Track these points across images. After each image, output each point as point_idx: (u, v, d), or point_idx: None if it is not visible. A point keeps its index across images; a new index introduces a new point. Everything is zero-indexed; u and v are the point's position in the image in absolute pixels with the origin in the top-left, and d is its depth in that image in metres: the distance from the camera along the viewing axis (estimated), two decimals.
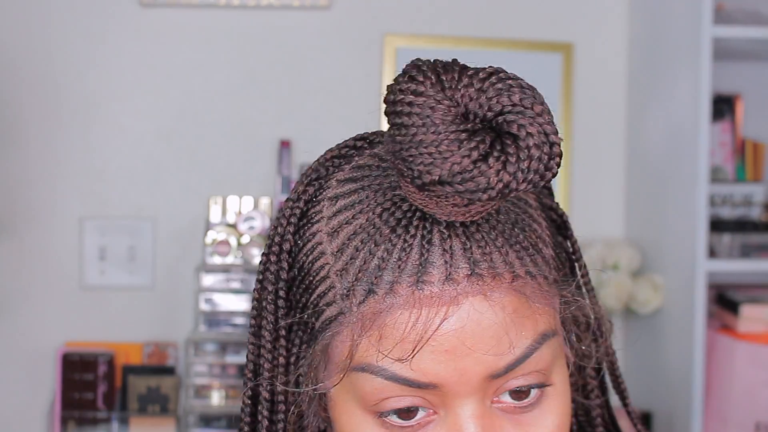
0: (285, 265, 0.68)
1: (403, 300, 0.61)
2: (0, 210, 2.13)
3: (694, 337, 1.94)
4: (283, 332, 0.68)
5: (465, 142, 0.57)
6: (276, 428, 0.69)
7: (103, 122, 2.16)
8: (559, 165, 0.58)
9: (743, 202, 2.15)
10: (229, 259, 2.06)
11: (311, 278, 0.66)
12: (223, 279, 2.05)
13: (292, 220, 0.68)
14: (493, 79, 0.59)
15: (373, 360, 0.62)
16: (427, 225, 0.62)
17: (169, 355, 2.12)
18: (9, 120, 2.13)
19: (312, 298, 0.66)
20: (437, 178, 0.57)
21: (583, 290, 0.74)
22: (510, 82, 0.59)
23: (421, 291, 0.61)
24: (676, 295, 2.03)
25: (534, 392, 0.63)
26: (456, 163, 0.57)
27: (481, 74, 0.60)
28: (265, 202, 2.12)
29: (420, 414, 0.63)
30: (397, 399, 0.62)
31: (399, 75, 0.61)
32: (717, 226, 2.05)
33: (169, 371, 2.08)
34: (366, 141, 0.71)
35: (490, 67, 0.61)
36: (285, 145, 2.16)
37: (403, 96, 0.59)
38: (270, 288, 0.68)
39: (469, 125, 0.58)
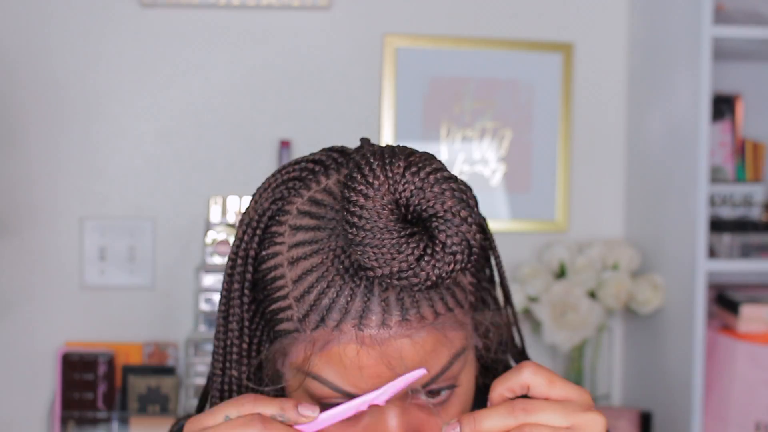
0: (250, 268, 0.83)
1: (347, 336, 0.76)
2: (0, 210, 2.13)
3: (694, 337, 1.94)
4: (247, 323, 0.83)
5: (404, 247, 0.72)
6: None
7: (103, 122, 2.16)
8: (476, 259, 0.74)
9: (743, 202, 2.15)
10: None
11: (272, 292, 0.81)
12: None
13: (258, 232, 0.82)
14: (432, 179, 0.73)
15: (321, 373, 0.78)
16: (369, 276, 0.75)
17: (169, 355, 2.12)
18: (9, 120, 2.13)
19: (272, 307, 0.81)
20: (381, 274, 0.73)
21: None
22: (444, 186, 0.73)
23: (361, 331, 0.76)
24: (676, 295, 2.03)
25: (445, 392, 0.80)
26: (397, 265, 0.72)
27: (421, 173, 0.73)
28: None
29: None
30: (338, 399, 0.78)
31: (354, 169, 0.75)
32: (717, 226, 2.05)
33: (169, 371, 2.08)
34: (321, 165, 0.83)
35: (434, 164, 0.74)
36: (285, 145, 2.16)
37: (355, 197, 0.73)
38: (237, 286, 0.83)
39: (407, 228, 0.73)
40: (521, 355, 0.96)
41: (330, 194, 0.81)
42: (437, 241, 0.73)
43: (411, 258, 0.72)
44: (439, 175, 0.74)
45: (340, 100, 2.20)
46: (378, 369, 0.76)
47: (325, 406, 0.78)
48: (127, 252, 2.16)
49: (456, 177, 0.75)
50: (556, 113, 2.26)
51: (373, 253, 0.73)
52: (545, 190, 2.26)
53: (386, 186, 0.73)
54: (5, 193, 2.13)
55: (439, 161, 0.76)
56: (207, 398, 0.95)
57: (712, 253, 2.01)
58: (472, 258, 0.73)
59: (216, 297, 2.05)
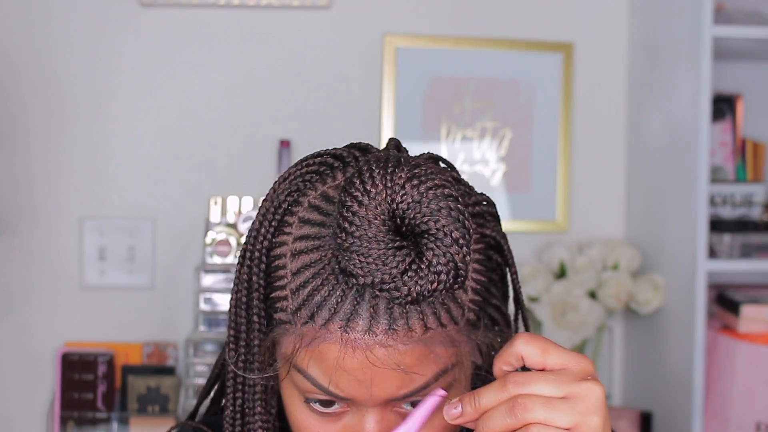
0: (264, 259, 0.82)
1: (332, 336, 0.76)
2: (0, 209, 2.13)
3: (694, 338, 1.94)
4: (263, 312, 0.83)
5: (390, 258, 0.72)
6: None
7: (103, 122, 2.16)
8: (463, 281, 0.73)
9: (743, 202, 2.15)
10: (229, 259, 2.06)
11: (274, 280, 0.81)
12: (223, 279, 2.05)
13: (273, 223, 0.82)
14: (431, 194, 0.73)
15: (306, 368, 0.78)
16: None
17: (169, 355, 2.12)
18: (9, 120, 2.13)
19: (272, 295, 0.81)
20: (364, 282, 0.73)
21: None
22: (442, 203, 0.73)
23: (347, 334, 0.76)
24: (676, 295, 2.03)
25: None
26: (379, 276, 0.72)
27: (422, 187, 0.73)
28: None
29: (335, 406, 0.80)
30: (319, 396, 0.79)
31: (355, 174, 0.75)
32: (717, 226, 2.05)
33: (168, 371, 2.08)
34: (340, 161, 0.83)
35: (438, 179, 0.74)
36: (285, 145, 2.16)
37: (350, 202, 0.73)
38: (255, 278, 0.83)
39: (396, 241, 0.72)
40: None
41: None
42: (424, 258, 0.72)
43: (395, 271, 0.72)
44: (439, 191, 0.73)
45: (340, 100, 2.20)
46: (360, 373, 0.76)
47: (310, 401, 0.80)
48: (127, 252, 2.16)
49: (458, 197, 0.74)
50: (556, 113, 2.25)
51: (359, 260, 0.72)
52: (545, 190, 2.26)
53: (383, 195, 0.73)
54: (5, 193, 2.13)
55: (446, 178, 0.75)
56: (209, 392, 0.95)
57: (713, 253, 2.00)
58: (458, 280, 0.73)
59: (216, 297, 2.05)
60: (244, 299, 0.84)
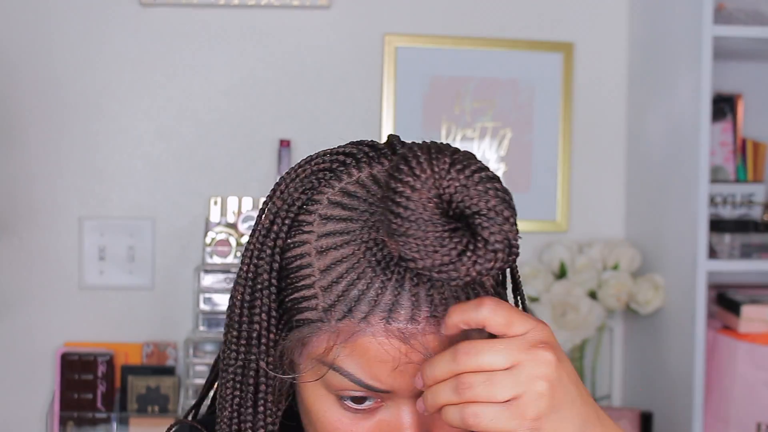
0: (278, 258, 0.82)
1: (374, 329, 0.76)
2: (0, 209, 2.13)
3: (694, 338, 1.94)
4: (274, 313, 0.82)
5: (447, 241, 0.72)
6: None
7: (103, 122, 2.16)
8: (516, 258, 0.74)
9: (744, 202, 2.15)
10: (229, 259, 2.06)
11: (296, 280, 0.80)
12: (222, 279, 2.05)
13: (287, 221, 0.81)
14: (476, 177, 0.73)
15: (343, 365, 0.78)
16: (401, 270, 0.77)
17: (169, 356, 2.12)
18: (9, 120, 2.13)
19: (294, 296, 0.80)
20: (422, 266, 0.73)
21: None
22: (488, 185, 0.73)
23: (389, 325, 0.76)
24: (676, 296, 2.03)
25: None
26: (439, 258, 0.72)
27: (467, 171, 0.74)
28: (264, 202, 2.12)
29: (368, 402, 0.79)
30: (356, 392, 0.79)
31: (401, 161, 0.74)
32: (717, 226, 2.05)
33: (168, 371, 2.08)
34: (353, 158, 0.83)
35: (479, 163, 0.75)
36: (285, 144, 2.16)
37: (402, 188, 0.73)
38: (265, 276, 0.82)
39: (451, 223, 0.73)
40: None
41: (363, 186, 0.81)
42: (480, 238, 0.73)
43: (453, 252, 0.72)
44: (483, 174, 0.74)
45: (340, 100, 2.20)
46: (401, 364, 0.77)
47: (344, 398, 0.79)
48: (127, 252, 2.16)
49: (499, 178, 0.75)
50: (556, 113, 2.25)
51: (416, 244, 0.72)
52: (545, 190, 2.26)
53: (432, 180, 0.73)
54: (5, 193, 2.13)
55: (481, 162, 0.76)
56: (209, 391, 0.94)
57: (713, 253, 2.00)
58: (511, 257, 0.73)
59: (216, 297, 2.05)
60: (248, 298, 0.83)
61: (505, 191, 0.74)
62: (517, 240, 0.74)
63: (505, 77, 2.24)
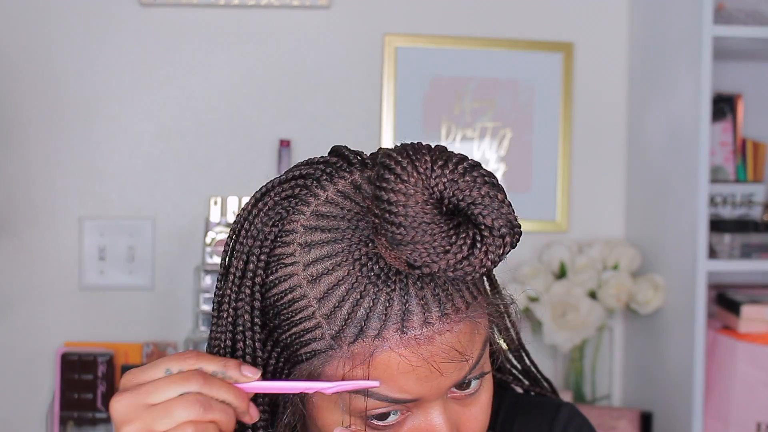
0: (258, 296, 0.80)
1: (390, 343, 0.76)
2: (0, 209, 2.13)
3: (694, 338, 1.93)
4: (259, 352, 0.80)
5: (454, 238, 0.71)
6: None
7: (103, 122, 2.16)
8: (520, 237, 0.74)
9: (744, 202, 2.15)
10: None
11: (292, 315, 0.78)
12: None
13: (262, 257, 0.80)
14: (461, 169, 0.73)
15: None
16: (403, 278, 0.76)
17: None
18: (9, 120, 2.13)
19: (295, 330, 0.78)
20: (437, 269, 0.72)
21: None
22: (475, 174, 0.73)
23: (404, 334, 0.76)
24: (676, 296, 2.03)
25: (475, 384, 0.82)
26: (452, 257, 0.72)
27: (450, 165, 0.73)
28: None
29: (393, 416, 0.79)
30: (383, 409, 0.78)
31: (378, 171, 0.73)
32: (717, 226, 2.05)
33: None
34: (312, 179, 0.81)
35: (457, 155, 0.74)
36: (285, 144, 2.16)
37: (395, 197, 0.72)
38: (247, 317, 0.80)
39: (452, 220, 0.72)
40: (517, 340, 0.98)
41: (335, 204, 0.79)
42: (484, 227, 0.72)
43: (464, 248, 0.72)
44: (466, 164, 0.74)
45: (340, 100, 2.20)
46: (425, 369, 0.76)
47: (369, 418, 0.78)
48: (127, 252, 2.16)
49: (480, 163, 0.75)
50: (556, 113, 2.25)
51: (425, 249, 0.72)
52: (545, 190, 2.26)
53: (420, 183, 0.72)
54: (5, 193, 2.13)
55: (458, 153, 0.76)
56: None
57: (713, 253, 2.00)
58: (516, 237, 0.74)
59: None
60: (229, 343, 0.81)
61: (491, 174, 0.74)
62: (516, 219, 0.74)
63: (505, 77, 2.24)
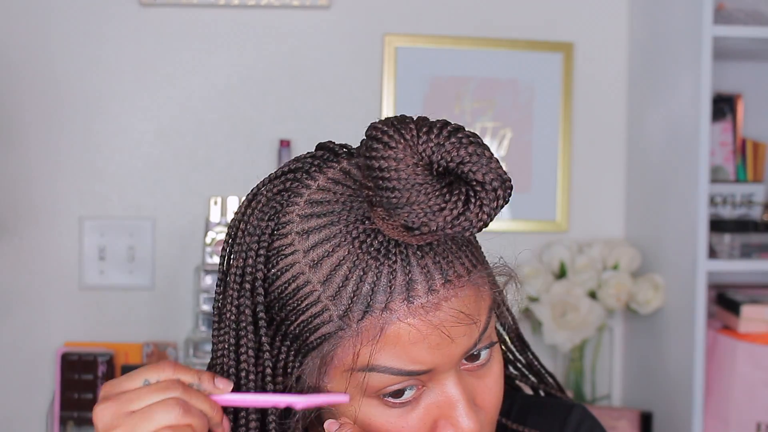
0: (261, 291, 0.81)
1: (398, 314, 0.77)
2: (0, 209, 2.13)
3: (694, 338, 1.94)
4: (266, 347, 0.81)
5: (448, 196, 0.73)
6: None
7: (103, 122, 2.16)
8: (512, 189, 0.76)
9: (744, 202, 2.15)
10: None
11: (298, 303, 0.79)
12: None
13: (261, 252, 0.81)
14: (445, 132, 0.74)
15: (379, 362, 0.77)
16: (402, 249, 0.78)
17: (169, 356, 2.12)
18: (9, 120, 2.13)
19: (303, 318, 0.79)
20: (435, 228, 0.73)
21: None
22: (460, 135, 0.74)
23: (411, 304, 0.77)
24: (676, 295, 2.03)
25: (485, 354, 0.83)
26: (448, 214, 0.73)
27: (434, 130, 0.74)
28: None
29: (408, 392, 0.79)
30: (398, 384, 0.78)
31: (366, 142, 0.75)
32: (717, 226, 2.05)
33: None
34: (302, 172, 0.83)
35: (439, 121, 0.75)
36: (285, 144, 2.16)
37: (385, 164, 0.73)
38: (248, 312, 0.81)
39: (445, 180, 0.73)
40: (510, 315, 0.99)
41: (327, 190, 0.81)
42: (476, 182, 0.74)
43: (459, 203, 0.73)
44: (449, 128, 0.75)
45: (340, 100, 2.20)
46: (436, 337, 0.77)
47: (384, 396, 0.79)
48: (127, 252, 2.16)
49: (462, 126, 0.76)
50: (556, 113, 2.25)
51: (420, 209, 0.73)
52: (545, 190, 2.26)
53: (408, 149, 0.74)
54: (5, 193, 2.13)
55: (439, 119, 0.77)
56: None
57: (713, 253, 2.00)
58: (509, 191, 0.75)
59: None
60: (233, 341, 0.82)
61: (475, 135, 0.75)
62: (506, 173, 0.75)
63: (505, 77, 2.24)
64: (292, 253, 0.80)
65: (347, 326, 0.77)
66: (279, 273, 0.80)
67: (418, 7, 2.22)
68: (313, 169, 0.83)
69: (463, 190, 0.74)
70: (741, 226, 2.08)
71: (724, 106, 2.21)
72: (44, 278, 2.14)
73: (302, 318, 0.79)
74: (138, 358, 2.12)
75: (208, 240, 2.07)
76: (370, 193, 0.75)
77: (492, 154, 0.75)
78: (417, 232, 0.74)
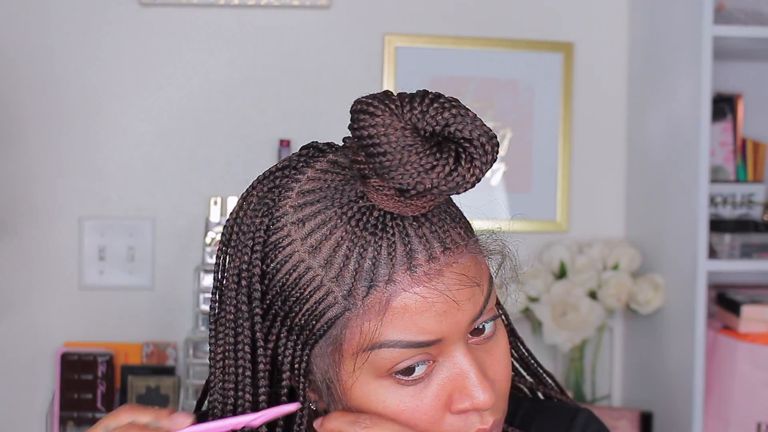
0: (258, 286, 0.81)
1: (401, 285, 0.77)
2: (0, 209, 2.13)
3: (694, 338, 1.93)
4: (261, 342, 0.82)
5: (439, 154, 0.74)
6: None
7: (103, 122, 2.16)
8: (499, 144, 0.77)
9: (744, 202, 2.15)
10: None
11: (301, 291, 0.79)
12: None
13: (257, 248, 0.81)
14: (428, 100, 0.75)
15: (387, 337, 0.78)
16: (399, 222, 0.78)
17: (169, 356, 2.12)
18: (9, 120, 2.13)
19: (307, 306, 0.79)
20: (429, 186, 0.74)
21: None
22: (442, 100, 0.76)
23: (414, 273, 0.78)
24: (676, 296, 2.03)
25: (489, 326, 0.83)
26: (441, 170, 0.74)
27: (416, 99, 0.76)
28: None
29: (419, 369, 0.79)
30: (409, 360, 0.79)
31: (355, 114, 0.76)
32: (717, 226, 2.04)
33: (168, 371, 2.08)
34: (291, 168, 0.84)
35: (419, 91, 0.77)
36: (285, 144, 2.16)
37: (374, 130, 0.74)
38: (244, 308, 0.82)
39: (433, 141, 0.74)
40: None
41: (318, 180, 0.82)
42: (463, 140, 0.75)
43: (450, 160, 0.74)
44: (431, 95, 0.76)
45: (340, 100, 2.20)
46: (442, 304, 0.78)
47: (395, 374, 0.79)
48: (127, 252, 2.16)
49: (442, 94, 0.77)
50: (556, 113, 2.25)
51: (414, 168, 0.73)
52: (545, 190, 2.26)
53: (394, 116, 0.75)
54: (5, 193, 2.13)
55: (418, 90, 0.79)
56: (205, 399, 0.94)
57: (713, 253, 2.00)
58: (497, 148, 0.76)
59: None
60: (231, 341, 0.82)
61: (455, 99, 0.77)
62: (491, 130, 0.76)
63: (505, 77, 2.24)
64: (289, 244, 0.80)
65: (353, 305, 0.78)
66: (278, 266, 0.80)
67: (418, 7, 2.22)
68: (301, 164, 0.84)
69: (453, 147, 0.74)
70: (741, 226, 2.08)
71: (724, 106, 2.21)
72: (44, 278, 2.14)
73: (307, 306, 0.79)
74: (138, 359, 2.12)
75: (208, 240, 2.07)
76: (362, 165, 0.77)
77: (475, 114, 0.76)
78: (413, 191, 0.74)
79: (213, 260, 2.06)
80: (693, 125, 1.94)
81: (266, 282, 0.81)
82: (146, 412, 0.79)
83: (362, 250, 0.77)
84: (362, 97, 0.77)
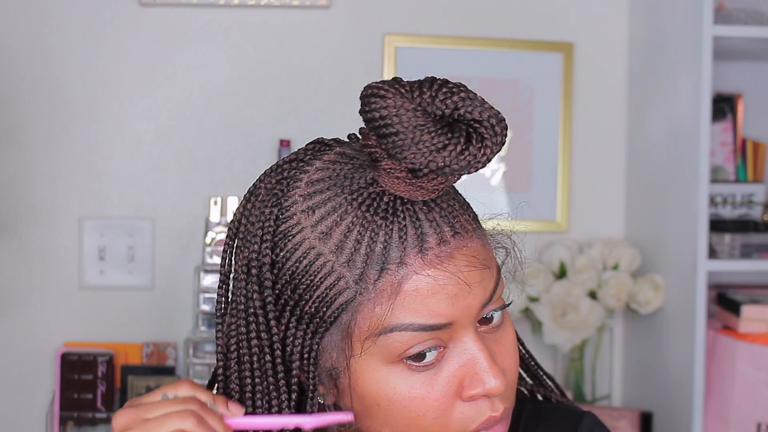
0: (269, 275, 0.81)
1: (413, 268, 0.78)
2: (0, 209, 2.13)
3: (694, 338, 1.93)
4: (275, 330, 0.82)
5: (450, 134, 0.74)
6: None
7: (103, 122, 2.16)
8: (507, 126, 0.78)
9: (744, 202, 2.15)
10: None
11: (312, 278, 0.79)
12: None
13: (267, 238, 0.81)
14: (435, 86, 0.76)
15: (399, 320, 0.78)
16: (410, 206, 0.79)
17: (169, 356, 2.12)
18: (9, 120, 2.13)
19: (318, 293, 0.80)
20: (442, 164, 0.74)
21: None
22: (450, 86, 0.76)
23: (425, 256, 0.78)
24: (676, 296, 2.03)
25: (497, 316, 0.83)
26: (453, 148, 0.74)
27: (424, 86, 0.76)
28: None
29: (430, 355, 0.80)
30: (420, 344, 0.79)
31: (366, 98, 0.76)
32: (718, 226, 2.04)
33: (168, 371, 2.08)
34: (299, 161, 0.85)
35: (426, 78, 0.78)
36: (285, 144, 2.16)
37: (385, 112, 0.75)
38: (256, 296, 0.82)
39: (444, 122, 0.75)
40: None
41: (327, 169, 0.82)
42: (473, 121, 0.76)
43: (462, 139, 0.75)
44: (439, 80, 0.77)
45: (340, 100, 2.20)
46: (452, 287, 0.79)
47: (406, 360, 0.79)
48: (127, 252, 2.16)
49: (448, 80, 0.78)
50: (556, 113, 2.25)
51: (426, 147, 0.74)
52: (545, 190, 2.26)
53: (406, 100, 0.76)
54: (5, 193, 2.13)
55: (426, 77, 0.79)
56: (212, 390, 0.94)
57: (713, 253, 2.00)
58: (506, 130, 0.77)
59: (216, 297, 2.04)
60: (243, 330, 0.83)
61: (462, 84, 0.78)
62: (500, 113, 0.77)
63: (505, 77, 2.24)
64: (299, 232, 0.80)
65: (364, 290, 0.78)
66: (288, 254, 0.81)
67: (418, 7, 2.22)
68: (309, 157, 0.84)
69: (463, 127, 0.75)
70: (741, 226, 2.08)
71: (724, 106, 2.21)
72: (44, 278, 2.14)
73: (318, 293, 0.80)
74: (138, 359, 2.12)
75: (208, 240, 2.07)
76: (373, 148, 0.77)
77: (483, 98, 0.77)
78: (425, 170, 0.75)
79: (213, 260, 2.06)
80: (693, 125, 1.94)
81: (276, 271, 0.82)
82: (205, 392, 0.81)
83: (373, 234, 0.78)
84: (372, 83, 0.78)
